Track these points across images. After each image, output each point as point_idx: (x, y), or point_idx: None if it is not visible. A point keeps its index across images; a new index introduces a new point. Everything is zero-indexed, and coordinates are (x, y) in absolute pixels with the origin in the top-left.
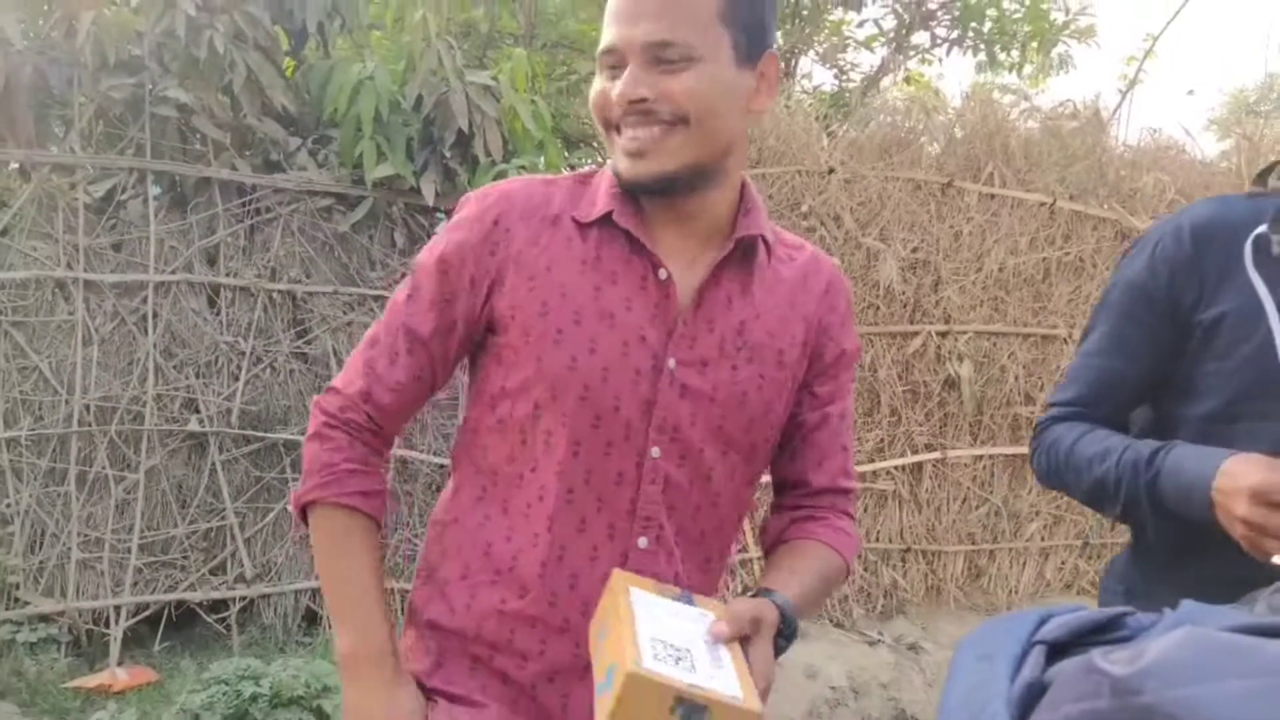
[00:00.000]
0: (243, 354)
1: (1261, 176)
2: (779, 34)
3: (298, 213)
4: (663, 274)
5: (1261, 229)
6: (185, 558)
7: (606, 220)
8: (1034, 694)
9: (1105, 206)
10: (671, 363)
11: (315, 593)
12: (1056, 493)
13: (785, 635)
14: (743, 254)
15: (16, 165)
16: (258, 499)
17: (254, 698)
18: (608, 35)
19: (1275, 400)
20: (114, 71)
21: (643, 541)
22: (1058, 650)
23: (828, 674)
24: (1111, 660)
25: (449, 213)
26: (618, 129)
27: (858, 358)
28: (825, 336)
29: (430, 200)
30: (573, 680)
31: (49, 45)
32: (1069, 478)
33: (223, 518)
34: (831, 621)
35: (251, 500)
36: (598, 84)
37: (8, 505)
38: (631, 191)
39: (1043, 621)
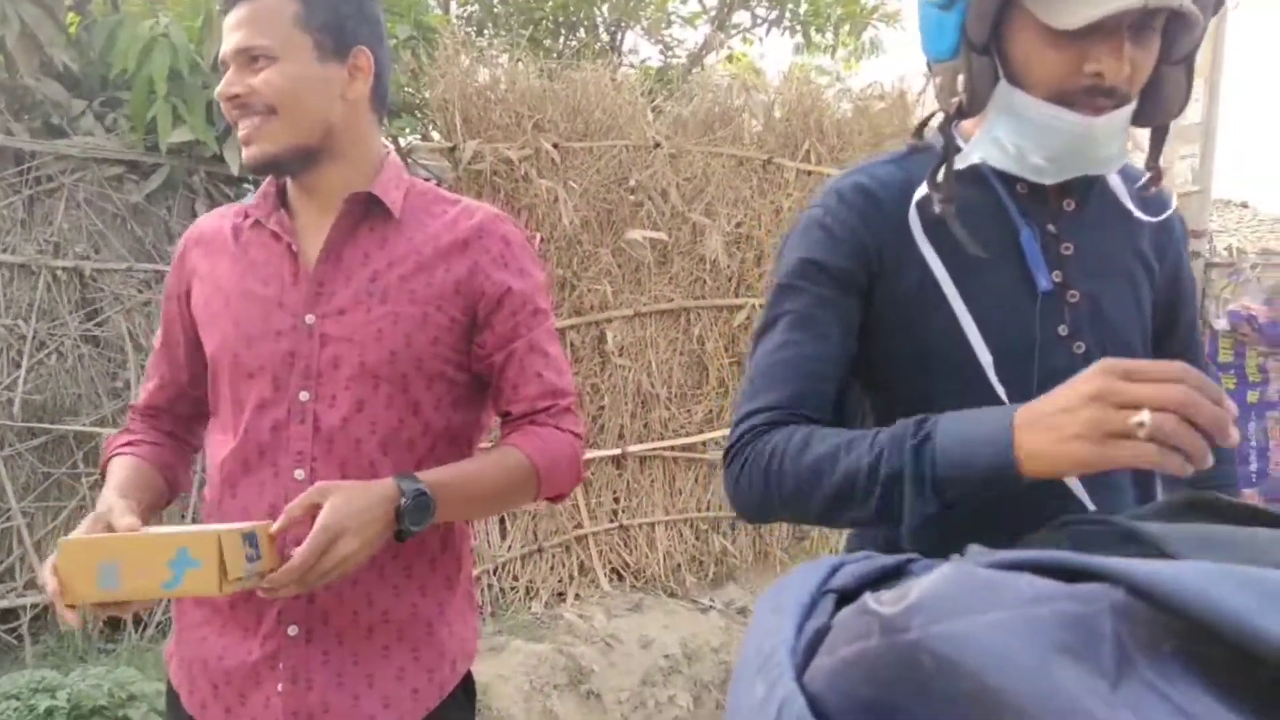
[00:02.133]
0: (24, 338)
1: (918, 131)
2: (604, 9)
3: (84, 182)
4: (294, 248)
5: (923, 191)
6: None
7: (254, 219)
8: (820, 640)
9: None
10: (310, 318)
11: None
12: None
13: (411, 509)
14: (379, 216)
15: None
16: (47, 497)
17: (50, 712)
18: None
19: (968, 381)
20: None
21: (299, 474)
22: (846, 598)
23: (662, 643)
24: (881, 601)
25: (256, 183)
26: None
27: (534, 295)
28: (480, 275)
29: (235, 169)
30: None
31: None
32: (798, 487)
33: (8, 519)
34: (665, 591)
35: (40, 499)
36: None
37: None
38: (256, 173)
39: (834, 571)
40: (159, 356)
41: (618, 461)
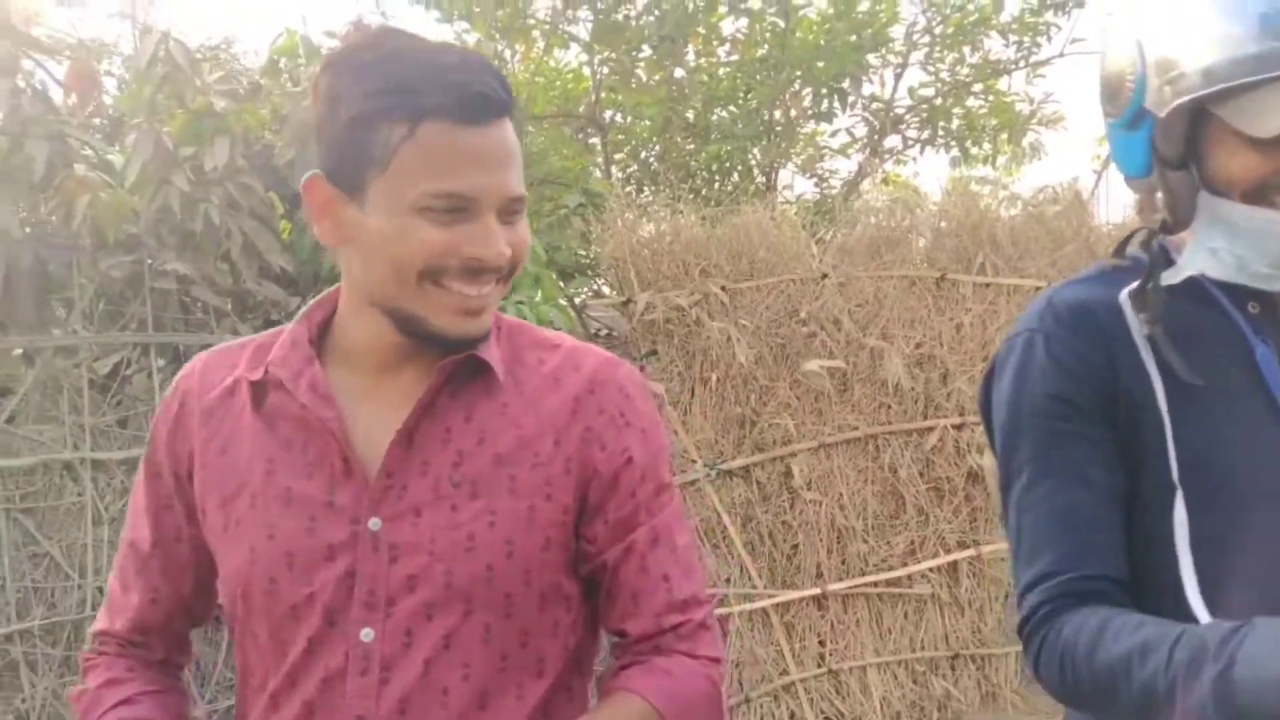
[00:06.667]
0: None
1: (1121, 248)
2: (756, 152)
3: None
4: (334, 427)
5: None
6: None
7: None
8: None
9: None
10: (374, 522)
11: None
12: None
13: None
14: (465, 375)
15: (20, 351)
16: None
17: None
18: (454, 181)
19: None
20: (112, 250)
21: None
22: None
23: None
24: None
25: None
26: (438, 282)
27: (659, 466)
28: (594, 446)
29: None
30: None
31: (46, 232)
32: (1097, 692)
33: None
34: None
35: None
36: (428, 231)
37: (23, 701)
38: (467, 350)
39: None
40: (144, 560)
41: (818, 602)
